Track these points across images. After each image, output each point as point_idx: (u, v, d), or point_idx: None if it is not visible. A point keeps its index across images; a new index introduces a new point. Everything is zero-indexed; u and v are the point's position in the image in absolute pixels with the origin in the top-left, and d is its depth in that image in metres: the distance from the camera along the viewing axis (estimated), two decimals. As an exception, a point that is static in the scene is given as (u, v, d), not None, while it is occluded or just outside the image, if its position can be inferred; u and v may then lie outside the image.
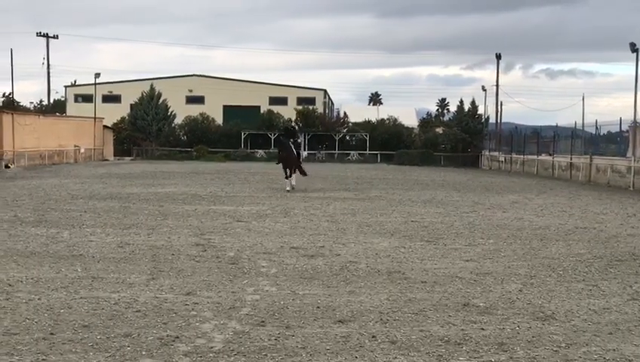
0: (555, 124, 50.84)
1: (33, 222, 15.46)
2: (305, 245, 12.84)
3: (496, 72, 63.37)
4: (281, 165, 26.82)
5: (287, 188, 25.67)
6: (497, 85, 63.62)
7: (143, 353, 6.39)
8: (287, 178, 26.24)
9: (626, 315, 8.06)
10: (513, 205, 22.03)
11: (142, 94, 65.10)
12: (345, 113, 74.52)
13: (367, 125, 68.30)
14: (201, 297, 8.52)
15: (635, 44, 37.67)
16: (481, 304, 8.47)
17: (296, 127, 30.93)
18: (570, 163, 41.89)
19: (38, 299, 8.34)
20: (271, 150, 65.26)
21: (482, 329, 7.36)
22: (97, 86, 66.01)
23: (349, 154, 64.77)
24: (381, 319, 7.69)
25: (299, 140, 28.59)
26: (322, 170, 44.06)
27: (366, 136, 66.08)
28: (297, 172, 26.82)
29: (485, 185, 32.57)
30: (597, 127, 43.14)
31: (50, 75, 67.50)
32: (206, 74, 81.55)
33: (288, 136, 28.07)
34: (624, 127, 39.51)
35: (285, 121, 32.61)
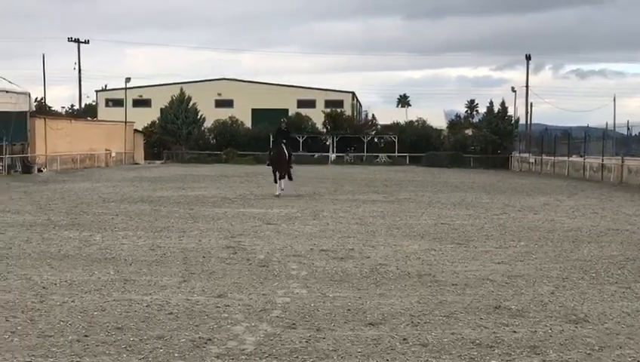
0: (585, 125, 50.35)
1: (66, 226, 15.65)
2: (334, 247, 12.85)
3: (526, 72, 62.95)
4: (271, 168, 25.24)
5: (276, 193, 24.19)
6: (527, 86, 63.26)
7: (176, 355, 6.44)
8: (275, 181, 24.71)
9: (660, 318, 7.96)
10: (544, 207, 21.85)
11: (172, 98, 65.56)
12: (373, 115, 74.43)
13: (395, 127, 68.12)
14: (233, 299, 8.57)
15: (667, 44, 37.13)
16: (512, 306, 8.42)
17: (287, 126, 27.55)
18: (602, 164, 41.44)
19: (72, 301, 8.45)
20: (299, 153, 65.48)
21: (514, 332, 7.32)
22: (128, 90, 66.70)
23: (377, 157, 64.64)
24: (412, 322, 7.67)
25: (293, 137, 27.42)
26: (351, 173, 44.05)
27: (394, 138, 65.93)
28: (286, 177, 24.88)
29: (515, 187, 32.33)
30: (629, 128, 42.67)
31: (82, 79, 68.39)
32: (235, 77, 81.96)
33: (282, 136, 25.54)
34: (657, 128, 38.98)
35: (283, 120, 28.59)
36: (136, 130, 62.93)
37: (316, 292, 9.10)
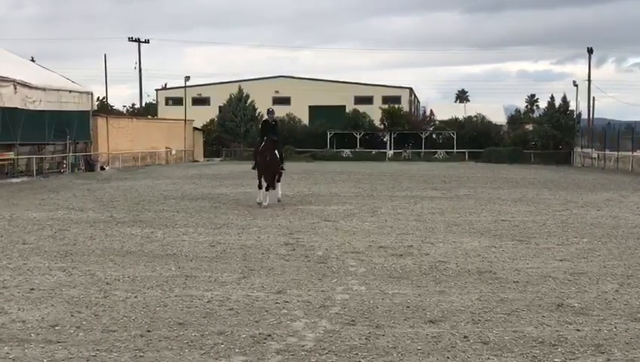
0: (651, 119, 49.01)
1: (128, 222, 15.94)
2: (393, 244, 12.80)
3: (587, 66, 61.66)
4: (256, 171, 20.35)
5: (261, 202, 19.53)
6: (589, 80, 61.96)
7: (237, 350, 6.50)
8: (260, 187, 19.90)
9: None
10: (607, 203, 21.38)
11: (230, 96, 66.24)
12: (431, 111, 73.92)
13: (454, 123, 67.55)
14: (292, 296, 8.61)
15: None
16: (576, 304, 8.26)
17: (275, 118, 21.28)
18: (668, 159, 40.31)
19: (135, 296, 8.60)
20: (357, 149, 65.48)
21: (578, 330, 7.18)
22: (187, 89, 67.59)
23: (435, 153, 64.19)
24: (472, 319, 7.59)
25: (279, 132, 21.22)
26: (408, 169, 43.81)
27: (453, 134, 65.35)
28: (276, 183, 20.21)
29: (578, 183, 31.71)
30: (696, 121, 41.38)
31: (142, 78, 69.54)
32: (292, 75, 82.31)
33: (270, 131, 20.16)
34: None
35: (270, 110, 21.40)
36: (195, 128, 63.74)
37: (375, 289, 9.07)
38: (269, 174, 19.65)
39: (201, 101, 77.52)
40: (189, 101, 69.51)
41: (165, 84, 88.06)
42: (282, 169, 20.60)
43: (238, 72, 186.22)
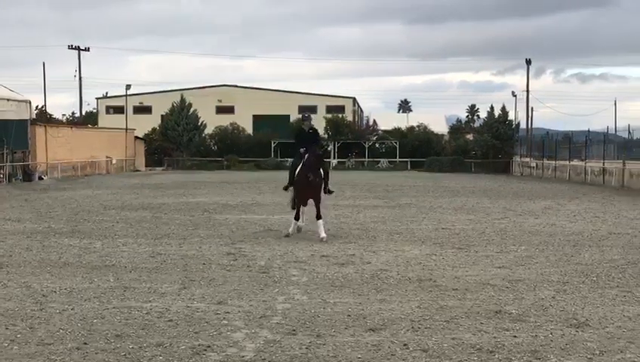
0: (587, 129, 50.34)
1: (66, 233, 15.64)
2: (335, 253, 12.83)
3: (526, 77, 62.94)
4: (291, 193, 15.77)
5: (289, 233, 15.30)
6: (528, 90, 63.28)
7: (175, 362, 6.42)
8: (297, 217, 15.46)
9: (661, 322, 7.93)
10: (545, 211, 21.82)
11: (172, 105, 65.67)
12: (374, 121, 74.52)
13: (396, 133, 68.21)
14: (233, 306, 8.55)
15: (667, 47, 37.18)
16: (513, 311, 8.39)
17: (313, 126, 16.59)
18: (603, 168, 41.40)
19: (72, 309, 8.43)
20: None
21: (515, 336, 7.29)
22: (128, 97, 66.80)
23: (378, 162, 64.72)
24: (412, 327, 7.65)
25: (323, 144, 16.13)
26: (352, 178, 44.02)
27: (396, 143, 65.97)
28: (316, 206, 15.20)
29: (516, 192, 32.30)
30: (630, 132, 42.70)
31: (82, 87, 68.52)
32: (236, 84, 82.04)
33: (309, 142, 15.56)
34: (658, 131, 38.99)
35: (305, 115, 16.81)
36: (136, 137, 62.98)
37: (317, 298, 9.07)
38: (312, 197, 15.19)
39: (142, 110, 76.67)
40: (130, 110, 68.68)
41: (106, 93, 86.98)
42: (330, 191, 15.89)
43: (181, 80, 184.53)
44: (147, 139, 66.35)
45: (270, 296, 9.19)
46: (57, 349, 6.79)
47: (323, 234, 14.59)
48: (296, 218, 15.40)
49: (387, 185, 36.17)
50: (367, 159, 65.79)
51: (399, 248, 13.52)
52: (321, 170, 15.24)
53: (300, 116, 17.20)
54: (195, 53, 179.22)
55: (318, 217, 14.90)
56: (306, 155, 15.03)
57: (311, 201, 15.36)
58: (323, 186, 15.33)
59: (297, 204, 15.46)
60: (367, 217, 19.47)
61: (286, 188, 15.83)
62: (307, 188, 15.07)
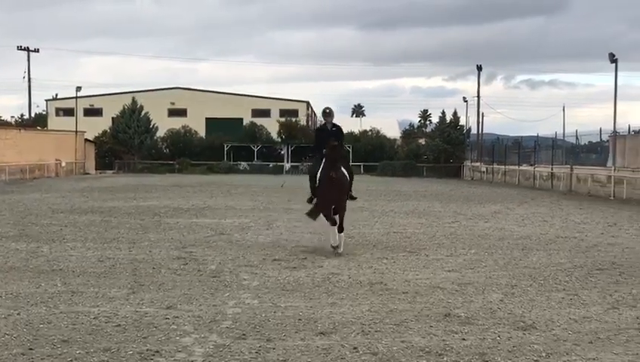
0: (536, 135, 51.20)
1: (13, 237, 15.33)
2: (287, 257, 12.81)
3: (477, 83, 63.71)
4: (314, 198, 14.04)
5: (336, 244, 13.33)
6: (478, 96, 63.97)
7: (123, 368, 6.34)
8: (334, 223, 13.35)
9: (605, 324, 8.10)
10: (495, 215, 22.12)
11: (123, 107, 64.93)
12: (327, 125, 74.55)
13: (349, 137, 68.38)
14: (182, 311, 8.47)
15: (614, 55, 37.95)
16: (462, 314, 8.48)
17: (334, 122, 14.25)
18: (551, 173, 42.16)
19: (17, 314, 8.26)
20: (254, 162, 65.35)
21: (463, 339, 7.37)
22: (79, 99, 65.70)
23: (332, 166, 64.75)
24: (362, 330, 7.67)
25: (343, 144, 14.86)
26: (305, 183, 44.00)
27: (349, 147, 66.17)
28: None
29: (467, 196, 32.68)
30: (577, 137, 43.50)
31: (32, 88, 67.29)
32: (188, 86, 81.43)
33: (327, 140, 13.48)
34: (604, 137, 39.87)
35: (327, 111, 14.24)
36: (87, 140, 62.09)
37: (267, 302, 9.05)
38: (336, 203, 13.33)
39: (93, 112, 75.53)
40: (80, 112, 67.61)
41: (56, 95, 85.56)
42: (352, 197, 13.99)
43: (134, 83, 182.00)
44: (98, 141, 65.47)
45: (220, 300, 9.14)
46: (2, 355, 6.65)
47: (341, 250, 13.06)
48: (333, 223, 13.20)
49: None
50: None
51: (351, 251, 13.55)
52: (344, 171, 13.40)
53: (321, 112, 14.50)
54: (148, 55, 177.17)
55: (340, 229, 13.15)
56: (325, 156, 13.19)
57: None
58: (347, 190, 13.49)
59: (321, 209, 13.54)
60: (320, 221, 19.44)
61: (310, 201, 14.08)
62: (331, 190, 13.06)
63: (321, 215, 13.90)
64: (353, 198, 14.03)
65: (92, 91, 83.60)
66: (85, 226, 17.58)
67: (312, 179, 13.61)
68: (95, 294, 9.42)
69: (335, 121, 14.30)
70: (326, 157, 13.19)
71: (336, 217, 13.35)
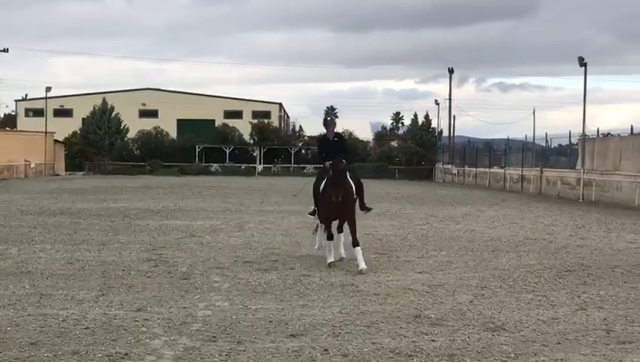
0: (506, 137, 51.62)
1: (-20, 239, 15.13)
2: (259, 259, 12.78)
3: (449, 85, 64.05)
4: (315, 213, 13.19)
5: (333, 260, 12.28)
6: (450, 99, 64.27)
7: (91, 371, 6.28)
8: (330, 238, 12.44)
9: (574, 325, 8.18)
10: (465, 217, 22.26)
11: (94, 108, 64.40)
12: (300, 127, 74.83)
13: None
14: (152, 313, 8.42)
15: (583, 59, 38.37)
16: (432, 315, 8.52)
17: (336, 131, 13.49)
18: (522, 175, 42.53)
19: (-16, 317, 8.15)
20: (226, 164, 65.14)
21: (433, 340, 7.40)
22: (49, 100, 65.07)
23: (304, 168, 64.86)
24: (333, 332, 7.68)
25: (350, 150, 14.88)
26: (277, 184, 44.02)
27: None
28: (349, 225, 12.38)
29: (438, 198, 32.86)
30: (547, 140, 43.94)
31: (0, 89, 66.45)
32: (159, 87, 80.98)
33: (334, 150, 12.68)
34: (574, 140, 40.31)
35: (328, 120, 13.49)
36: (56, 141, 61.49)
37: (238, 304, 9.02)
38: (343, 218, 12.45)
39: (63, 113, 74.76)
40: (50, 113, 66.93)
41: (26, 95, 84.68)
42: (367, 209, 13.10)
43: (105, 83, 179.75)
44: (67, 142, 64.85)
45: (191, 302, 9.09)
46: (-33, 359, 6.56)
47: (363, 265, 11.67)
48: (329, 237, 12.36)
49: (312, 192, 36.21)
50: (293, 165, 65.90)
51: (322, 254, 13.53)
52: (352, 184, 12.38)
53: (322, 120, 13.52)
54: (118, 55, 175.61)
55: (355, 244, 12.04)
56: (331, 167, 12.16)
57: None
58: (357, 203, 12.68)
59: (324, 219, 12.52)
60: (292, 223, 19.46)
61: (312, 213, 13.21)
62: (334, 207, 12.13)
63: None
64: (368, 209, 13.10)
65: (62, 92, 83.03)
66: (54, 228, 17.40)
67: (316, 193, 12.84)
68: (64, 296, 9.33)
69: (323, 127, 13.31)
70: (331, 179, 12.14)
71: (339, 233, 12.73)
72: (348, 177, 12.37)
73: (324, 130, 13.23)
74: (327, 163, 12.29)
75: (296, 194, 13.92)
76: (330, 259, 12.20)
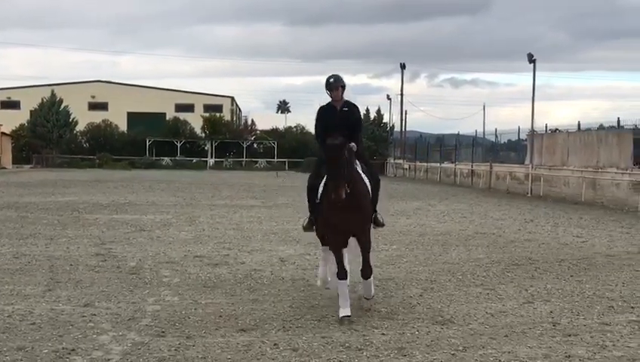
0: (457, 133, 52.19)
1: None
2: (209, 254, 12.71)
3: (401, 81, 64.45)
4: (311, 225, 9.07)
5: (346, 314, 7.96)
6: (402, 94, 64.72)
7: (37, 367, 6.18)
8: (341, 275, 8.18)
9: (521, 318, 8.30)
10: (416, 211, 22.44)
11: (42, 100, 63.28)
12: (252, 121, 74.57)
13: (275, 133, 68.48)
14: (100, 308, 8.30)
15: (532, 55, 38.93)
16: (382, 309, 8.57)
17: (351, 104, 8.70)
18: (472, 170, 43.06)
19: None
20: (177, 157, 64.59)
21: (383, 334, 7.45)
22: (-5, 91, 63.74)
23: (256, 162, 64.74)
24: (284, 327, 7.67)
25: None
26: (229, 178, 43.81)
27: (274, 143, 66.18)
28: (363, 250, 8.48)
29: (390, 192, 32.99)
30: (497, 136, 44.53)
31: (-56, 79, 64.88)
32: (110, 80, 79.88)
33: (333, 125, 8.41)
34: (522, 136, 40.90)
35: (331, 79, 8.66)
36: (3, 133, 60.23)
37: (188, 299, 8.95)
38: (355, 223, 8.25)
39: (10, 105, 73.34)
40: (-4, 104, 65.57)
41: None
42: (381, 223, 8.81)
43: (56, 75, 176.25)
44: (15, 135, 63.62)
45: (140, 297, 8.99)
46: None
47: (372, 291, 8.68)
48: (342, 275, 8.15)
49: (264, 186, 36.22)
50: (245, 159, 65.70)
51: (274, 248, 13.54)
52: (364, 178, 8.36)
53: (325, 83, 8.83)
54: (69, 47, 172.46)
55: (366, 273, 8.46)
56: (331, 150, 7.95)
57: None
58: (369, 208, 8.41)
59: (329, 245, 8.69)
60: (244, 217, 19.40)
61: (309, 227, 9.08)
62: (340, 215, 8.01)
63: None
64: (382, 225, 8.90)
65: (11, 83, 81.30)
66: (0, 222, 17.04)
67: (311, 193, 8.75)
68: (10, 292, 9.14)
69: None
70: (326, 166, 8.05)
71: (348, 261, 8.67)
72: (357, 164, 8.38)
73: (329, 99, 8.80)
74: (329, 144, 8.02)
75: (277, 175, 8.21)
76: (346, 312, 7.91)
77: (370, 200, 8.44)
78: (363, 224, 8.32)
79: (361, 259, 8.48)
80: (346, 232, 8.32)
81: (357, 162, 8.39)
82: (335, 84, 8.75)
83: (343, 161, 7.88)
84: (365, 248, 8.44)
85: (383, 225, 8.93)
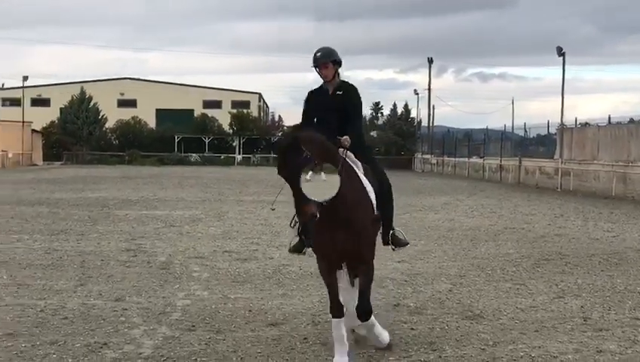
0: (485, 127, 51.87)
1: (-44, 229, 14.99)
2: (238, 249, 12.77)
3: (428, 75, 64.20)
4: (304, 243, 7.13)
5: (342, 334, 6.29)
6: (429, 89, 64.48)
7: (70, 360, 6.25)
8: (336, 312, 6.30)
9: (551, 313, 8.24)
10: (445, 206, 22.35)
11: (72, 98, 63.92)
12: (280, 117, 74.68)
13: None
14: (131, 303, 8.38)
15: (561, 48, 38.57)
16: (411, 304, 8.56)
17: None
18: (500, 165, 42.77)
19: (-40, 307, 8.08)
20: (205, 154, 64.92)
21: (412, 329, 7.44)
22: (26, 89, 64.44)
23: (284, 158, 64.84)
24: (313, 321, 7.69)
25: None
26: (257, 174, 43.96)
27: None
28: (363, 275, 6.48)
29: (418, 188, 32.95)
30: (526, 130, 44.22)
31: (-24, 78, 65.74)
32: (138, 77, 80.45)
33: (340, 111, 6.82)
34: (552, 130, 40.57)
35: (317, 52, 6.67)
36: (34, 131, 60.98)
37: (218, 294, 9.00)
38: (350, 244, 6.21)
39: (40, 102, 74.13)
40: (27, 102, 66.31)
41: (2, 84, 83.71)
42: (401, 242, 7.39)
43: (83, 73, 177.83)
44: (45, 132, 64.35)
45: (170, 292, 9.06)
46: (-57, 350, 6.50)
47: (384, 338, 6.72)
48: (337, 312, 6.33)
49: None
50: (272, 155, 65.78)
51: (302, 243, 13.54)
52: (363, 182, 6.56)
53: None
54: (97, 44, 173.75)
55: (362, 312, 6.46)
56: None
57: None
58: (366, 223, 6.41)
59: (321, 272, 6.66)
60: (271, 213, 19.39)
61: (294, 250, 7.44)
62: (325, 235, 6.32)
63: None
64: (401, 243, 7.33)
65: (40, 81, 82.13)
66: (32, 218, 17.26)
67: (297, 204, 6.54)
68: (42, 287, 9.26)
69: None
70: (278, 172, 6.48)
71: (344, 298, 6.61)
72: (356, 164, 6.61)
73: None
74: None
75: (273, 208, 7.52)
76: (342, 358, 6.21)
77: (374, 213, 6.52)
78: (358, 245, 6.22)
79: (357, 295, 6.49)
80: (336, 255, 6.32)
81: (355, 160, 6.56)
82: (322, 60, 6.86)
83: (302, 163, 6.09)
84: (363, 279, 6.45)
85: (405, 243, 7.26)
